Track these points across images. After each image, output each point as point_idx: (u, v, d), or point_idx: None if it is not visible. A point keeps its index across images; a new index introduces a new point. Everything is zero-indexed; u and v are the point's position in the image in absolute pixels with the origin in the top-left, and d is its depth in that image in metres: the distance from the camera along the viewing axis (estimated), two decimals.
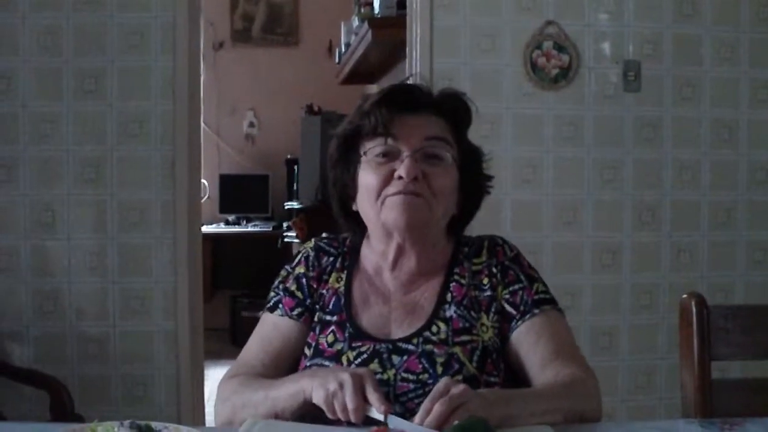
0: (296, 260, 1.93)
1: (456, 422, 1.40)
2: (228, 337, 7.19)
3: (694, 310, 1.91)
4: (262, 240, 7.33)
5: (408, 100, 1.81)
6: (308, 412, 1.64)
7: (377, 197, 1.78)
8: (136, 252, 3.87)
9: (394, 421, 1.50)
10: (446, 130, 1.82)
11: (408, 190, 1.75)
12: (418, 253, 1.82)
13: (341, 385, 1.53)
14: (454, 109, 1.86)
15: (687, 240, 4.07)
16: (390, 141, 1.77)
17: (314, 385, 1.58)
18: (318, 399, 1.56)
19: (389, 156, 1.78)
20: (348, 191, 1.86)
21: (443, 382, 1.51)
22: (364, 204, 1.82)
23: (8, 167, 3.80)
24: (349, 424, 1.54)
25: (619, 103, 4.00)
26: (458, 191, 1.84)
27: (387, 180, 1.76)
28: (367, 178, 1.79)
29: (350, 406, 1.51)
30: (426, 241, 1.82)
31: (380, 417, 1.50)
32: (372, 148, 1.79)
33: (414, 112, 1.80)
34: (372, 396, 1.52)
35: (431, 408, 1.45)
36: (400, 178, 1.74)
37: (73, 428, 1.46)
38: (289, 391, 1.64)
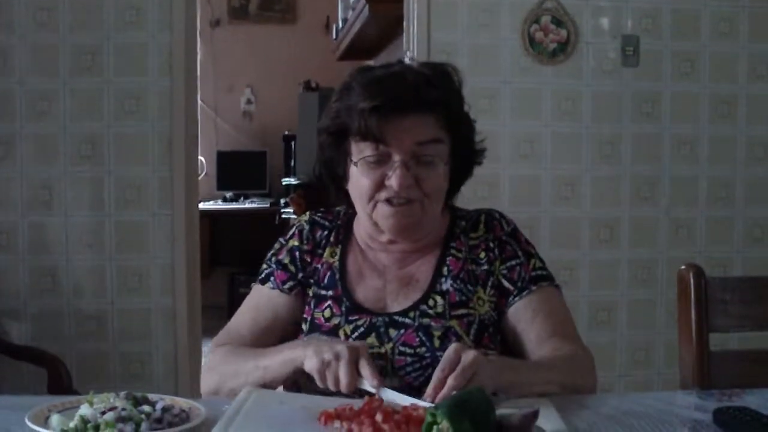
0: (291, 233, 1.92)
1: (453, 392, 1.41)
2: (226, 314, 7.19)
3: (692, 281, 1.91)
4: (260, 216, 7.32)
5: (397, 103, 1.71)
6: (297, 381, 1.65)
7: (369, 200, 1.75)
8: (133, 229, 3.86)
9: (387, 395, 1.51)
10: (437, 125, 1.75)
11: (399, 200, 1.73)
12: (411, 238, 1.82)
13: (337, 357, 1.54)
14: (445, 100, 1.76)
15: (685, 215, 4.07)
16: (381, 147, 1.71)
17: (308, 354, 1.57)
18: (311, 367, 1.56)
19: (380, 161, 1.73)
20: (339, 175, 1.83)
21: (453, 349, 1.51)
22: (356, 200, 1.80)
23: (5, 144, 3.79)
24: (339, 393, 1.54)
25: (618, 78, 3.99)
26: (449, 165, 1.80)
27: (379, 185, 1.73)
28: (358, 180, 1.76)
29: (344, 379, 1.52)
30: (420, 230, 1.81)
31: (372, 390, 1.51)
32: (363, 156, 1.73)
33: (404, 113, 1.71)
34: (365, 370, 1.53)
35: (443, 378, 1.45)
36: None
37: (70, 400, 1.47)
38: (282, 358, 1.64)
